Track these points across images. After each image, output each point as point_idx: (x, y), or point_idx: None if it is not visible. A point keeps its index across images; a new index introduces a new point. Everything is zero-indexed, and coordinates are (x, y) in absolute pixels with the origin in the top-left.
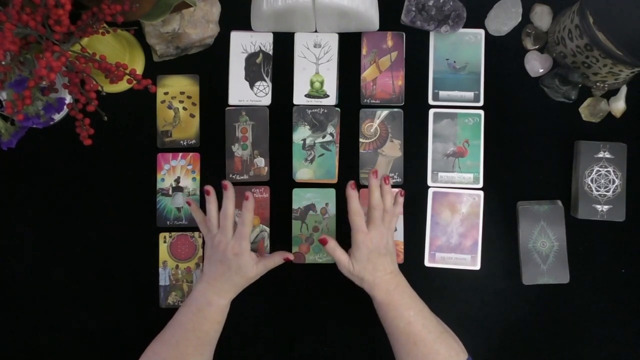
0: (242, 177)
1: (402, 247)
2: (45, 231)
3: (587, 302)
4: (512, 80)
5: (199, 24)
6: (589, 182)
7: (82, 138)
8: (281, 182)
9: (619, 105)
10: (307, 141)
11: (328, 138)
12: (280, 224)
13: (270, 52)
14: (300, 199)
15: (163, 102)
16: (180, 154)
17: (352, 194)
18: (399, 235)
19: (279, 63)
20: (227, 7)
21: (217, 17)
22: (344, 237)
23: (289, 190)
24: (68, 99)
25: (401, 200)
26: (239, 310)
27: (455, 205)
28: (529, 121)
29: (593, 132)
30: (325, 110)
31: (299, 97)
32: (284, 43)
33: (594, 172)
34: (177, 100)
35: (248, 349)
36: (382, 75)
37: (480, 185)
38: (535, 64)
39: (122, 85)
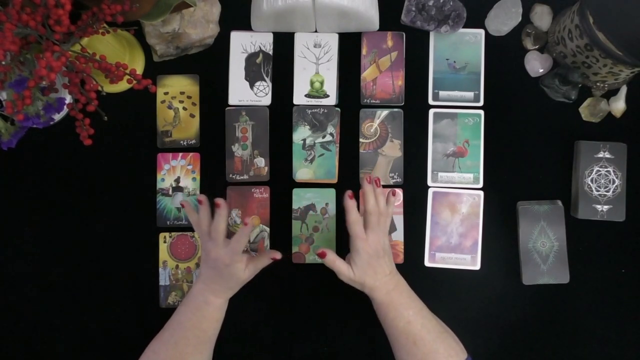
0: (242, 177)
1: (402, 247)
2: (45, 231)
3: (587, 302)
4: (512, 80)
5: (199, 24)
6: (589, 182)
7: (82, 138)
8: (281, 182)
9: (619, 105)
10: (307, 141)
11: (328, 138)
12: (280, 224)
13: (270, 52)
14: (300, 199)
15: (163, 102)
16: (180, 154)
17: (351, 204)
18: (399, 235)
19: (279, 63)
20: (227, 7)
21: (217, 17)
22: (344, 237)
23: (289, 190)
24: (68, 99)
25: (393, 199)
26: (239, 310)
27: (455, 205)
28: (529, 121)
29: (593, 132)
30: (325, 110)
31: (299, 97)
32: (284, 43)
33: (594, 172)
34: (177, 100)
35: (248, 349)
36: (382, 75)
37: (480, 185)
38: (535, 64)
39: (122, 85)
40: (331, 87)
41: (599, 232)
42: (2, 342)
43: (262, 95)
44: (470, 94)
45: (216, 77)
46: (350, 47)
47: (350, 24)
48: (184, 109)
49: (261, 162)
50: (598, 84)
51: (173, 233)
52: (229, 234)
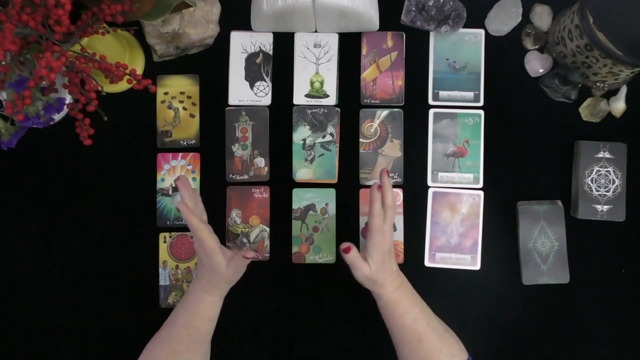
0: (242, 177)
1: (402, 247)
2: (45, 231)
3: (587, 302)
4: (512, 80)
5: (199, 24)
6: (589, 182)
7: (82, 138)
8: (281, 182)
9: (619, 105)
10: (307, 141)
11: (328, 138)
12: (280, 224)
13: (270, 52)
14: (300, 199)
15: (163, 102)
16: (180, 154)
17: (378, 196)
18: (399, 235)
19: (279, 63)
20: (227, 7)
21: (217, 17)
22: (343, 237)
23: (289, 190)
24: (68, 99)
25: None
26: (239, 310)
27: (455, 205)
28: (529, 121)
29: (593, 132)
30: (325, 110)
31: (299, 97)
32: (284, 43)
33: (594, 172)
34: (177, 100)
35: (248, 349)
36: (382, 75)
37: (480, 185)
38: (535, 64)
39: (122, 85)
40: (331, 87)
41: (599, 232)
42: (2, 342)
43: (262, 95)
44: (470, 94)
45: (216, 77)
46: (350, 47)
47: (350, 24)
48: (184, 109)
49: (261, 162)
50: (598, 84)
51: (173, 233)
52: (229, 235)
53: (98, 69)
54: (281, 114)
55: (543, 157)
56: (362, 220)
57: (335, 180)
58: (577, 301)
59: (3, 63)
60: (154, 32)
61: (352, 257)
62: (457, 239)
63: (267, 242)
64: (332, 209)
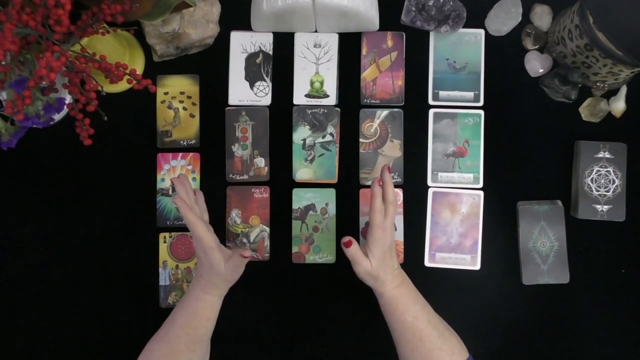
0: (242, 177)
1: (402, 247)
2: (45, 231)
3: (587, 302)
4: (512, 80)
5: (199, 24)
6: (589, 182)
7: (82, 138)
8: (281, 182)
9: (619, 105)
10: (307, 141)
11: (328, 138)
12: (280, 224)
13: (270, 52)
14: (300, 199)
15: (163, 102)
16: (180, 154)
17: (379, 191)
18: (399, 235)
19: (279, 63)
20: (227, 7)
21: (217, 17)
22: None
23: (289, 190)
24: (68, 99)
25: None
26: (239, 310)
27: (455, 205)
28: (529, 121)
29: (593, 132)
30: (325, 110)
31: (299, 97)
32: (284, 43)
33: (594, 172)
34: (177, 100)
35: (248, 349)
36: (382, 75)
37: (480, 185)
38: (535, 64)
39: (122, 85)
40: (331, 87)
41: (599, 232)
42: (2, 342)
43: (262, 95)
44: (470, 94)
45: (216, 77)
46: (350, 47)
47: (350, 24)
48: (184, 109)
49: (261, 162)
50: (598, 84)
51: (173, 233)
52: (229, 235)
53: (98, 69)
54: (281, 114)
55: (543, 157)
56: (362, 220)
57: (335, 180)
58: (577, 301)
59: (3, 63)
60: (154, 32)
61: (353, 251)
62: (457, 239)
63: (267, 242)
64: (332, 209)
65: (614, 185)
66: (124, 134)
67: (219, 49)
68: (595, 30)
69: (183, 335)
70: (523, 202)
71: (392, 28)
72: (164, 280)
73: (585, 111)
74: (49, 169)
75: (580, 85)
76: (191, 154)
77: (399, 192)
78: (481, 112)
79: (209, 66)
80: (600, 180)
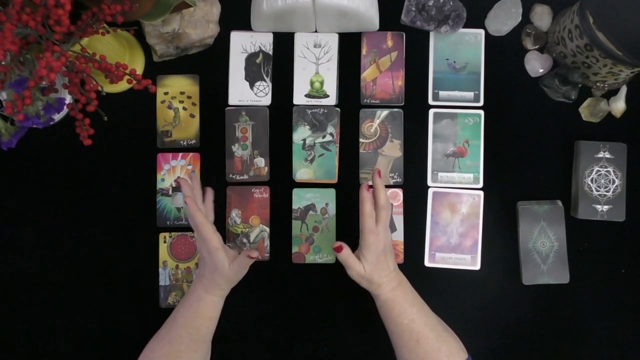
0: (242, 177)
1: (402, 247)
2: (45, 231)
3: (587, 302)
4: (512, 80)
5: (199, 24)
6: (589, 182)
7: (82, 138)
8: (281, 182)
9: (619, 105)
10: (307, 141)
11: (328, 138)
12: (280, 224)
13: (270, 52)
14: (300, 199)
15: (163, 102)
16: (180, 154)
17: (368, 196)
18: (399, 235)
19: (279, 63)
20: (227, 7)
21: (217, 17)
22: (344, 237)
23: (289, 190)
24: (68, 99)
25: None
26: (240, 310)
27: (455, 205)
28: (529, 121)
29: (593, 132)
30: (325, 110)
31: (299, 97)
32: (284, 43)
33: (594, 172)
34: (177, 100)
35: (248, 349)
36: (382, 75)
37: (480, 185)
38: (535, 64)
39: (122, 85)
40: (331, 87)
41: (599, 232)
42: (2, 342)
43: (262, 95)
44: (470, 94)
45: (216, 77)
46: (350, 47)
47: (350, 24)
48: (184, 109)
49: (261, 162)
50: (598, 84)
51: (173, 233)
52: (229, 235)
53: (98, 69)
54: (281, 114)
55: (543, 157)
56: None
57: (335, 180)
58: (577, 301)
59: (3, 63)
60: (154, 32)
61: (345, 256)
62: (457, 239)
63: (267, 242)
64: (332, 209)
65: (614, 185)
66: (124, 134)
67: (219, 49)
68: (595, 30)
69: (185, 335)
70: (523, 202)
71: (392, 28)
72: (164, 280)
73: (585, 111)
74: (49, 169)
75: (580, 85)
76: (191, 154)
77: (399, 192)
78: (481, 112)
79: (209, 66)
80: (600, 180)
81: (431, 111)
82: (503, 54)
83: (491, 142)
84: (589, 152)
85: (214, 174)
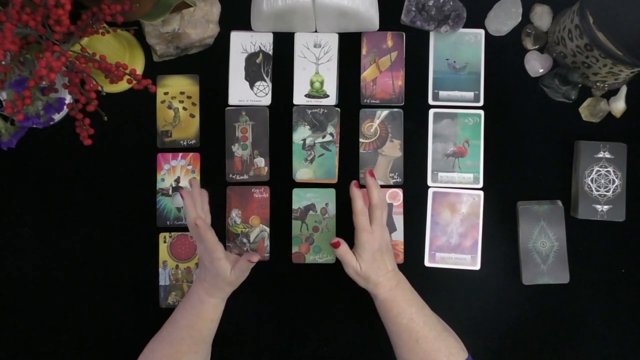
0: (242, 177)
1: (402, 247)
2: (45, 231)
3: (587, 302)
4: (512, 80)
5: (199, 24)
6: (589, 182)
7: (82, 138)
8: (281, 182)
9: (619, 105)
10: (307, 141)
11: (328, 138)
12: (280, 224)
13: (270, 52)
14: (300, 199)
15: (163, 102)
16: (180, 154)
17: (357, 193)
18: (399, 235)
19: (279, 63)
20: (227, 7)
21: (217, 17)
22: (344, 237)
23: (289, 190)
24: (68, 99)
25: (383, 195)
26: (239, 310)
27: (455, 205)
28: (529, 121)
29: (593, 132)
30: (325, 110)
31: (299, 97)
32: (284, 43)
33: (594, 172)
34: (177, 100)
35: (248, 349)
36: (382, 75)
37: (480, 185)
38: (535, 64)
39: (122, 85)
40: (331, 87)
41: (599, 232)
42: (2, 342)
43: (262, 95)
44: (470, 94)
45: (216, 77)
46: (350, 47)
47: (350, 24)
48: (184, 109)
49: (261, 162)
50: (598, 84)
51: (173, 233)
52: (229, 235)
53: (98, 69)
54: (281, 114)
55: (543, 157)
56: None
57: (335, 180)
58: (577, 301)
59: (3, 63)
60: (154, 32)
61: (342, 251)
62: (457, 239)
63: (267, 242)
64: (332, 209)
65: (614, 185)
66: (124, 134)
67: (219, 49)
68: (595, 30)
69: (187, 337)
70: (523, 202)
71: (392, 28)
72: (164, 280)
73: (585, 111)
74: (49, 169)
75: (580, 85)
76: (191, 154)
77: (399, 192)
78: (481, 112)
79: (209, 66)
80: (600, 180)
81: (431, 111)
82: (503, 54)
83: (491, 142)
84: (589, 152)
85: (214, 174)
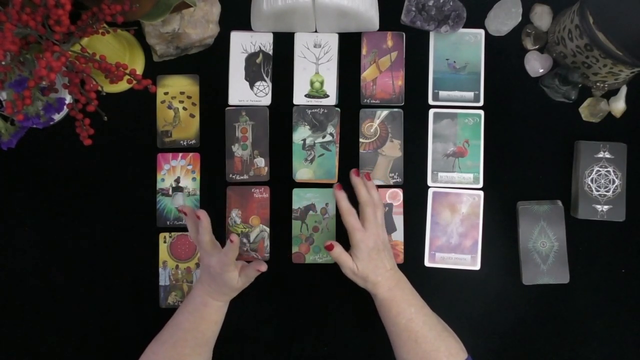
0: (242, 177)
1: (402, 247)
2: (45, 231)
3: (587, 302)
4: (512, 80)
5: (199, 24)
6: (589, 182)
7: (82, 138)
8: (281, 182)
9: (619, 105)
10: (307, 141)
11: (328, 138)
12: (280, 224)
13: (270, 52)
14: (300, 199)
15: (163, 102)
16: (180, 154)
17: (339, 195)
18: (399, 235)
19: (279, 63)
20: (227, 7)
21: (217, 17)
22: (344, 237)
23: (289, 190)
24: (68, 99)
25: (377, 195)
26: (239, 310)
27: (455, 205)
28: (529, 121)
29: (593, 132)
30: (325, 110)
31: (299, 97)
32: (284, 43)
33: (594, 172)
34: (177, 100)
35: (248, 349)
36: (382, 75)
37: (480, 185)
38: (535, 64)
39: (122, 85)
40: (331, 87)
41: (599, 232)
42: (2, 342)
43: (262, 95)
44: (470, 94)
45: (216, 77)
46: (350, 47)
47: (350, 24)
48: (184, 109)
49: (261, 162)
50: (598, 84)
51: (173, 233)
52: (229, 235)
53: (98, 69)
54: (281, 114)
55: (543, 157)
56: None
57: (335, 180)
58: (577, 301)
59: (3, 63)
60: (154, 32)
61: (337, 253)
62: (457, 239)
63: (267, 242)
64: (332, 209)
65: (614, 185)
66: (124, 134)
67: (219, 49)
68: (595, 30)
69: (190, 338)
70: (523, 202)
71: (392, 28)
72: (164, 280)
73: (585, 111)
74: (49, 169)
75: (580, 85)
76: (191, 154)
77: (399, 192)
78: (481, 112)
79: (209, 66)
80: (600, 180)
81: (431, 111)
82: (503, 54)
83: (491, 142)
84: (589, 152)
85: (214, 174)
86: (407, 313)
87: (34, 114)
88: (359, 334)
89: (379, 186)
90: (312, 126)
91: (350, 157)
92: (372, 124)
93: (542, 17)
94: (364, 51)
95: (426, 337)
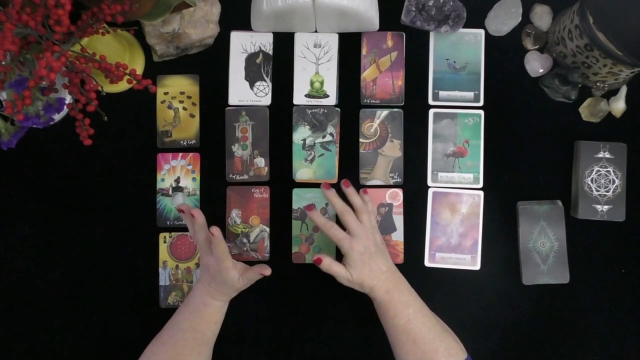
0: (242, 177)
1: (402, 247)
2: (45, 231)
3: (587, 302)
4: (512, 80)
5: (199, 24)
6: (589, 182)
7: (82, 138)
8: (281, 182)
9: (619, 105)
10: (307, 141)
11: (328, 138)
12: (280, 224)
13: (270, 52)
14: (300, 199)
15: (163, 102)
16: (180, 154)
17: (314, 214)
18: (399, 235)
19: (279, 63)
20: (227, 7)
21: (217, 17)
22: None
23: (289, 190)
24: (68, 99)
25: (367, 197)
26: (239, 310)
27: (455, 205)
28: (529, 121)
29: (593, 132)
30: (325, 110)
31: (299, 97)
32: (284, 43)
33: (594, 172)
34: (177, 100)
35: (248, 349)
36: (382, 75)
37: (480, 185)
38: (535, 64)
39: (122, 85)
40: (331, 87)
41: (599, 232)
42: (2, 342)
43: (262, 95)
44: (470, 94)
45: (216, 77)
46: (350, 47)
47: (350, 24)
48: (184, 109)
49: (261, 162)
50: (598, 84)
51: (173, 233)
52: (229, 235)
53: (98, 69)
54: (281, 114)
55: (543, 157)
56: None
57: (335, 181)
58: (577, 301)
59: (3, 63)
60: (154, 32)
61: (326, 265)
62: (457, 239)
63: (267, 242)
64: (332, 209)
65: (614, 185)
66: (124, 134)
67: (219, 49)
68: (595, 30)
69: (190, 339)
70: (523, 202)
71: (392, 28)
72: (164, 280)
73: (585, 111)
74: (49, 169)
75: (580, 85)
76: (191, 154)
77: (399, 192)
78: (481, 112)
79: (209, 66)
80: (600, 180)
81: (431, 111)
82: (503, 54)
83: (491, 142)
84: (589, 152)
85: (214, 174)
86: (405, 314)
87: (34, 114)
88: (359, 334)
89: (379, 186)
90: (312, 126)
91: (350, 157)
92: (372, 124)
93: (542, 17)
94: (364, 51)
95: (425, 338)
